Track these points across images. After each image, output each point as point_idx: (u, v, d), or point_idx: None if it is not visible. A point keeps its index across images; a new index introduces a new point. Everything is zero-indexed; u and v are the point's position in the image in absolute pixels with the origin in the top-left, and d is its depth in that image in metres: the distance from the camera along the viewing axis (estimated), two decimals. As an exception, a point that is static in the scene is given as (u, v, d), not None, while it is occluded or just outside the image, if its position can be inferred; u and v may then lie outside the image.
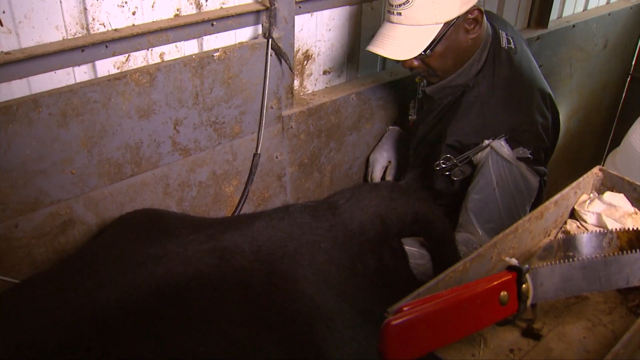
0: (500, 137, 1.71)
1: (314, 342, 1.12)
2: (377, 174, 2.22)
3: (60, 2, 1.43)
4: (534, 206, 1.39)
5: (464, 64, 1.81)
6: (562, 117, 3.33)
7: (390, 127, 2.31)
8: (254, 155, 1.90)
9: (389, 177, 2.21)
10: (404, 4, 1.66)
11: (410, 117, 2.12)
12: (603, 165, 1.40)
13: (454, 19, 1.69)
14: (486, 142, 1.72)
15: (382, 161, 2.23)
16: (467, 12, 1.70)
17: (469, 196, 1.73)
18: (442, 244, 1.55)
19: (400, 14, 1.69)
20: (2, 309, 1.16)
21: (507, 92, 1.79)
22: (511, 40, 1.88)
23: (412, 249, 1.51)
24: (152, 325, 1.06)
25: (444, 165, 1.81)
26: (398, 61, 1.81)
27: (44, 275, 1.31)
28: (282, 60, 1.85)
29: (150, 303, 1.09)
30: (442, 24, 1.68)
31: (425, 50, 1.71)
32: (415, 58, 1.74)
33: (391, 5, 1.71)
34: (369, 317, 1.22)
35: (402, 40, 1.70)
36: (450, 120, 1.83)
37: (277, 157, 1.99)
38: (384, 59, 2.36)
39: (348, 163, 2.30)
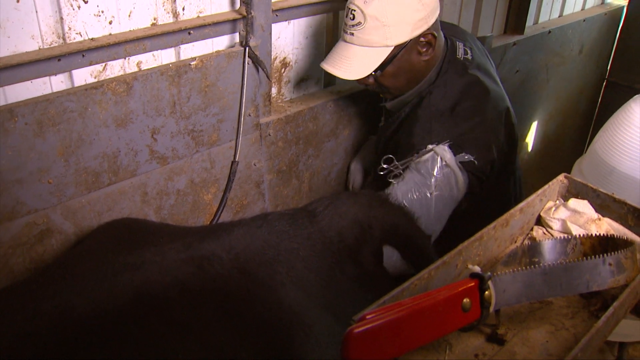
0: (444, 143, 1.72)
1: (292, 349, 1.13)
2: (358, 184, 2.23)
3: (36, 11, 1.44)
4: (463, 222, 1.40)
5: (419, 83, 1.83)
6: (540, 122, 3.40)
7: (372, 136, 2.33)
8: (232, 162, 1.91)
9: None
10: (356, 25, 1.70)
11: (378, 126, 2.15)
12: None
13: (405, 42, 1.72)
14: (429, 146, 1.73)
15: (363, 170, 2.25)
16: (419, 36, 1.73)
17: (397, 188, 1.72)
18: (420, 255, 1.56)
19: (353, 34, 1.72)
20: None
21: (457, 102, 1.80)
22: (468, 52, 1.90)
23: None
24: (129, 334, 1.06)
25: (384, 166, 1.80)
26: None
27: (19, 285, 1.30)
28: (259, 68, 1.87)
29: (128, 311, 1.10)
30: (393, 47, 1.71)
31: (375, 71, 1.74)
32: (368, 77, 1.78)
33: (346, 24, 1.74)
34: (347, 324, 1.23)
35: (354, 60, 1.73)
36: (405, 133, 1.85)
37: (255, 165, 2.01)
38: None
39: (326, 169, 2.32)
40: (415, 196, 1.69)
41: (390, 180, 1.78)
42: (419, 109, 1.82)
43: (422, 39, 1.74)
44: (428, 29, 1.73)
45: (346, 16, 1.74)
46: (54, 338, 1.04)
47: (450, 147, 1.70)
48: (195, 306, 1.14)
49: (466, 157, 1.70)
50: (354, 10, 1.69)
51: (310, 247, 1.35)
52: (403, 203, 1.68)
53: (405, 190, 1.70)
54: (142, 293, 1.13)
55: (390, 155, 1.80)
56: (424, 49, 1.76)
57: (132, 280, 1.15)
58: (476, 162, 1.71)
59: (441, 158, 1.68)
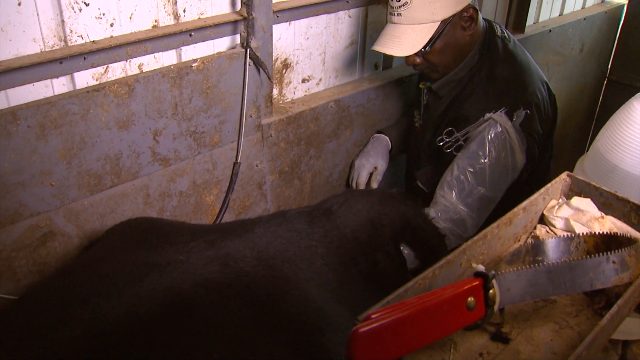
0: (501, 110, 1.81)
1: (321, 343, 1.14)
2: (362, 179, 2.25)
3: (38, 14, 1.44)
4: (523, 193, 1.45)
5: (464, 59, 1.93)
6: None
7: (376, 134, 2.34)
8: (234, 164, 1.91)
9: (374, 184, 2.24)
10: (403, 5, 1.81)
11: (416, 123, 2.22)
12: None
13: (450, 17, 1.83)
14: (487, 115, 1.83)
15: (368, 167, 2.26)
16: (462, 11, 1.84)
17: (456, 160, 1.83)
18: (433, 251, 1.57)
19: (400, 14, 1.83)
20: (4, 325, 1.13)
21: (504, 73, 1.90)
22: (505, 31, 2.01)
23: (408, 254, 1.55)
24: (162, 336, 1.06)
25: (446, 139, 1.91)
26: (403, 57, 1.92)
27: (45, 289, 1.29)
28: (261, 70, 1.87)
29: (159, 314, 1.09)
30: (440, 22, 1.82)
31: (424, 47, 1.84)
32: (417, 55, 1.88)
33: (392, 7, 1.86)
34: (352, 324, 1.23)
35: (403, 39, 1.84)
36: (460, 108, 1.95)
37: (257, 166, 2.01)
38: (363, 67, 2.39)
39: (328, 170, 2.32)
40: (472, 167, 1.79)
41: (448, 151, 1.89)
42: (470, 84, 1.93)
43: (464, 14, 1.85)
44: (469, 4, 1.84)
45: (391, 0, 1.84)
46: (90, 345, 1.03)
47: (506, 113, 1.80)
48: (225, 304, 1.15)
49: (522, 112, 1.80)
50: None
51: (328, 244, 1.37)
52: (464, 175, 1.78)
53: (466, 163, 1.80)
54: (171, 294, 1.13)
55: (451, 128, 1.91)
56: (467, 24, 1.87)
57: (160, 281, 1.15)
58: (529, 113, 1.80)
59: (500, 125, 1.78)
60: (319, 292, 1.25)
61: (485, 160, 1.78)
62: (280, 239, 1.34)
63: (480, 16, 1.92)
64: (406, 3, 1.80)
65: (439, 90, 2.02)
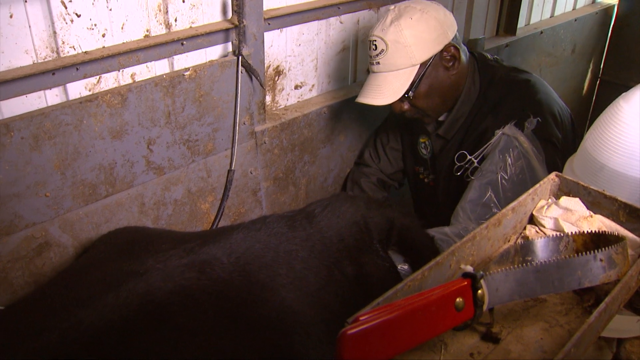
0: (511, 123, 1.75)
1: (293, 348, 1.15)
2: None
3: (30, 26, 1.46)
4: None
5: (455, 99, 1.88)
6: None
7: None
8: (229, 171, 1.93)
9: None
10: (380, 53, 1.77)
11: (425, 179, 2.15)
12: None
13: (430, 59, 1.78)
14: (498, 131, 1.75)
15: None
16: (442, 50, 1.79)
17: (472, 182, 1.75)
18: (422, 252, 1.57)
19: (379, 62, 1.79)
20: None
21: (510, 92, 1.86)
22: (497, 58, 1.99)
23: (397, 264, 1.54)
24: (137, 343, 1.07)
25: (459, 164, 1.83)
26: (389, 107, 1.86)
27: (26, 301, 1.31)
28: (253, 77, 1.88)
29: (134, 320, 1.11)
30: (419, 65, 1.77)
31: (407, 92, 1.79)
32: (403, 102, 1.82)
33: (371, 57, 1.82)
34: (340, 326, 1.24)
35: (384, 87, 1.79)
36: (473, 137, 1.89)
37: (251, 173, 2.02)
38: (355, 73, 2.41)
39: (323, 175, 2.33)
40: (486, 184, 1.71)
41: (470, 177, 1.79)
42: (479, 115, 1.87)
43: (445, 54, 1.80)
44: (449, 43, 1.79)
45: (369, 49, 1.81)
46: (64, 352, 1.05)
47: (516, 125, 1.74)
48: (199, 311, 1.16)
49: (534, 120, 1.73)
50: (375, 41, 1.78)
51: (309, 248, 1.37)
52: (478, 193, 1.70)
53: (479, 181, 1.72)
54: (147, 301, 1.15)
55: (464, 151, 1.84)
56: (450, 64, 1.82)
57: (136, 289, 1.17)
58: (542, 120, 1.74)
59: (512, 137, 1.71)
60: (296, 297, 1.25)
61: (499, 175, 1.70)
62: (259, 244, 1.34)
63: (463, 53, 1.86)
64: (383, 50, 1.76)
65: (447, 133, 1.95)
